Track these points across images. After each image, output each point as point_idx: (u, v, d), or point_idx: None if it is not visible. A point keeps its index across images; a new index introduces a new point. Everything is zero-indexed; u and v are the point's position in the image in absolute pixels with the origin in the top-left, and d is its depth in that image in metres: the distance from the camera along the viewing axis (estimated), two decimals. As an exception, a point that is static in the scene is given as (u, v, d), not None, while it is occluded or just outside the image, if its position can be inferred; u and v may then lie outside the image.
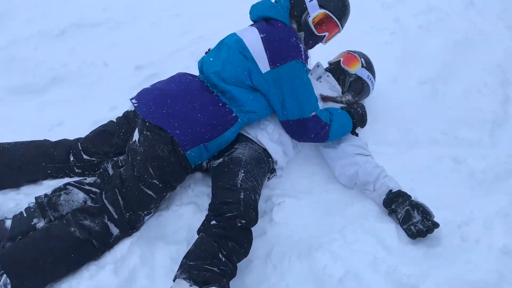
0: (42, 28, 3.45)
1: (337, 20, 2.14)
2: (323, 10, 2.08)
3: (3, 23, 3.55)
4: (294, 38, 2.02)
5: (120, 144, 2.14)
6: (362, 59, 2.57)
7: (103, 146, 2.15)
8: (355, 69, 2.54)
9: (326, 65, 2.69)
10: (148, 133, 1.93)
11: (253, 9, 2.18)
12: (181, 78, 2.13)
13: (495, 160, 2.31)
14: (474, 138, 2.47)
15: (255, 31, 2.04)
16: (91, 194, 1.96)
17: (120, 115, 2.25)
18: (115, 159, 2.11)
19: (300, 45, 2.04)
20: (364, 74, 2.57)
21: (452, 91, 2.83)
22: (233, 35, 2.13)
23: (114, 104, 2.67)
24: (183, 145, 1.91)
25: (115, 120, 2.25)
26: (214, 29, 3.09)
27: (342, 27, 2.20)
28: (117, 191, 1.88)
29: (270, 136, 2.18)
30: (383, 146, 2.43)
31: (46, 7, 3.75)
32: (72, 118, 2.58)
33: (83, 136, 2.22)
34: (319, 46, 2.33)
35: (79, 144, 2.16)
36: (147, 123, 1.95)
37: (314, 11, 2.08)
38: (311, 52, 2.41)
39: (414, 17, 3.68)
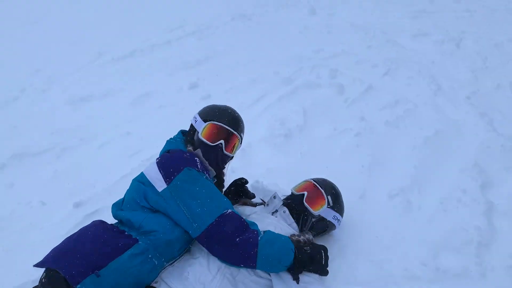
0: (-21, 164, 3.18)
1: (225, 126, 2.15)
2: (208, 122, 2.15)
3: None
4: (187, 154, 2.05)
5: None
6: (329, 197, 2.20)
7: None
8: (320, 210, 2.18)
9: (288, 192, 2.37)
10: None
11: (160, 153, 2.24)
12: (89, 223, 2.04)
13: (487, 300, 1.93)
14: (459, 267, 2.09)
15: (154, 160, 2.08)
16: None
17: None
18: None
19: (196, 158, 2.04)
20: (330, 215, 2.21)
21: (428, 203, 2.51)
22: None
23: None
24: (71, 278, 1.67)
25: None
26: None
27: (237, 132, 2.19)
28: None
29: None
30: (353, 287, 2.05)
31: (-11, 137, 3.54)
32: (-10, 284, 2.22)
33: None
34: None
35: None
36: (43, 280, 1.76)
37: (201, 126, 2.16)
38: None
39: (380, 112, 3.48)
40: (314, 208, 2.17)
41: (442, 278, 2.06)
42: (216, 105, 2.28)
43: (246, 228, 1.90)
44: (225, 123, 2.16)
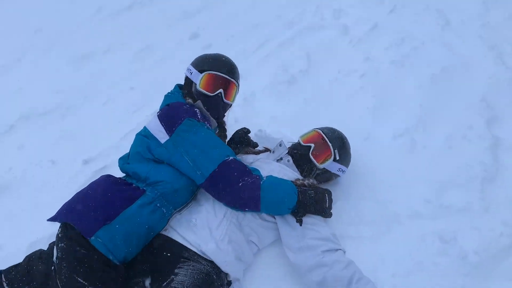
0: (-11, 127, 3.24)
1: (222, 74, 2.16)
2: (204, 73, 2.14)
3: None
4: (187, 105, 2.07)
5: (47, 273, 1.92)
6: (335, 151, 2.17)
7: (28, 279, 1.96)
8: (325, 164, 2.17)
9: (294, 139, 2.36)
10: (63, 244, 1.80)
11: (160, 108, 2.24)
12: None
13: (489, 233, 1.95)
14: (462, 203, 2.11)
15: (155, 114, 2.12)
16: None
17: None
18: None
19: (196, 109, 2.07)
20: (335, 167, 2.20)
21: (433, 141, 2.48)
22: None
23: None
24: (84, 231, 1.75)
25: (48, 246, 2.07)
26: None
27: (234, 79, 2.20)
28: None
29: (217, 243, 1.88)
30: (358, 227, 2.10)
31: (-4, 99, 3.57)
32: (7, 242, 2.33)
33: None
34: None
35: (2, 276, 2.00)
36: (59, 235, 1.84)
37: (198, 78, 2.14)
38: None
39: (385, 51, 3.36)
40: (320, 161, 2.17)
41: (446, 214, 2.09)
42: (208, 54, 2.27)
43: (249, 173, 1.94)
44: (222, 71, 2.17)
